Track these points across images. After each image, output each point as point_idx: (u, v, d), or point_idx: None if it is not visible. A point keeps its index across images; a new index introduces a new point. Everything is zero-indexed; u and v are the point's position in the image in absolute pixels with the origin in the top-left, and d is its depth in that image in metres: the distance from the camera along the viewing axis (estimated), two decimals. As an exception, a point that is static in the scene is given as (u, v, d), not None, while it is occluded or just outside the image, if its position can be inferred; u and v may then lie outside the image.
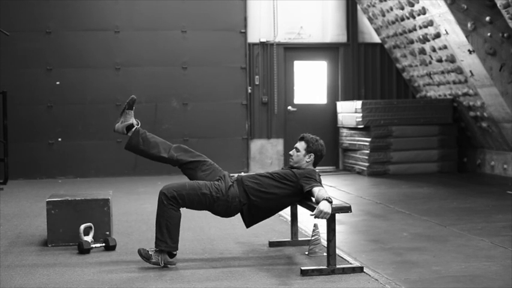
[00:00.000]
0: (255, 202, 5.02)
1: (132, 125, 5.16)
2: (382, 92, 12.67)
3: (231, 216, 5.12)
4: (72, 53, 11.53)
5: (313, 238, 5.33)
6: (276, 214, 7.00)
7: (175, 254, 4.97)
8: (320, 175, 5.21)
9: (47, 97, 11.45)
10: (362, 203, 8.32)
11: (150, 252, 4.90)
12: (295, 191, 5.05)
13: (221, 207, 4.99)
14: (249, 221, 5.12)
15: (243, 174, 5.23)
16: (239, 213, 5.11)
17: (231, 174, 5.18)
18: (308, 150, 5.22)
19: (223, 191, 4.98)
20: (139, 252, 4.91)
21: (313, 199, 4.86)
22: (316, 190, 4.84)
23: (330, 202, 4.63)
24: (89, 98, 11.60)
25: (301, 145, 5.26)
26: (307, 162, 5.22)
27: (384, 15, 11.64)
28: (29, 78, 11.38)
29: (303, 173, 5.08)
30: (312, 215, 4.66)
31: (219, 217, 5.26)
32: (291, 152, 5.32)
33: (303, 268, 4.70)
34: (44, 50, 11.43)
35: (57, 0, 11.48)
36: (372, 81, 12.66)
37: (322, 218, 4.57)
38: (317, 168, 5.34)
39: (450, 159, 11.66)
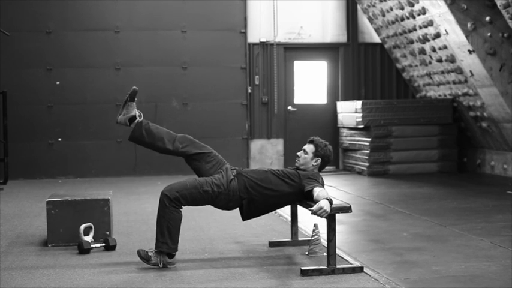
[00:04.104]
0: (255, 197, 5.01)
1: (134, 117, 5.11)
2: (382, 92, 12.67)
3: (231, 209, 5.14)
4: (72, 53, 11.53)
5: (313, 238, 5.32)
6: (276, 214, 7.03)
7: (175, 255, 4.96)
8: (323, 179, 5.21)
9: (47, 97, 11.45)
10: (362, 203, 8.32)
11: (149, 254, 4.90)
12: (296, 191, 5.04)
13: (223, 201, 5.00)
14: (247, 215, 5.11)
15: (243, 169, 5.23)
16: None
17: (233, 168, 5.17)
18: (316, 154, 5.19)
19: (225, 185, 4.98)
20: (139, 253, 4.90)
21: (314, 198, 4.85)
22: (317, 190, 4.83)
23: (331, 202, 4.63)
24: (89, 98, 11.60)
25: (309, 148, 5.22)
26: (313, 165, 5.20)
27: (384, 15, 11.64)
28: (29, 78, 11.38)
29: (307, 175, 5.08)
30: (310, 209, 4.65)
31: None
32: (298, 153, 5.28)
33: (303, 268, 4.69)
34: (44, 50, 11.43)
35: (57, 0, 11.49)
36: (372, 81, 12.66)
37: (320, 215, 4.56)
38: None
39: (450, 159, 11.66)
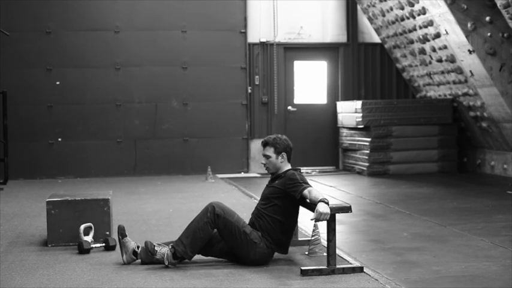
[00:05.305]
0: (275, 236, 5.00)
1: (136, 249, 5.05)
2: (382, 92, 12.67)
3: (267, 263, 5.03)
4: (72, 53, 11.53)
5: (313, 238, 5.32)
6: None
7: (180, 258, 4.94)
8: (301, 171, 5.17)
9: (47, 97, 11.45)
10: (362, 203, 8.32)
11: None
12: (290, 198, 4.98)
13: (259, 255, 4.94)
14: (284, 250, 5.12)
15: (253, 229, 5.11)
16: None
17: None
18: (278, 152, 5.14)
19: (260, 238, 4.96)
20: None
21: (308, 201, 4.82)
22: (307, 193, 4.80)
23: (327, 202, 4.62)
24: (89, 98, 11.60)
25: (268, 151, 5.16)
26: (281, 162, 5.15)
27: (384, 15, 11.64)
28: (29, 78, 11.38)
29: (284, 181, 5.00)
30: (312, 219, 4.65)
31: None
32: (263, 162, 5.22)
33: (303, 268, 4.70)
34: (44, 50, 11.43)
35: (57, 0, 11.48)
36: (372, 81, 12.66)
37: (322, 220, 4.57)
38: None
39: (450, 159, 11.66)
